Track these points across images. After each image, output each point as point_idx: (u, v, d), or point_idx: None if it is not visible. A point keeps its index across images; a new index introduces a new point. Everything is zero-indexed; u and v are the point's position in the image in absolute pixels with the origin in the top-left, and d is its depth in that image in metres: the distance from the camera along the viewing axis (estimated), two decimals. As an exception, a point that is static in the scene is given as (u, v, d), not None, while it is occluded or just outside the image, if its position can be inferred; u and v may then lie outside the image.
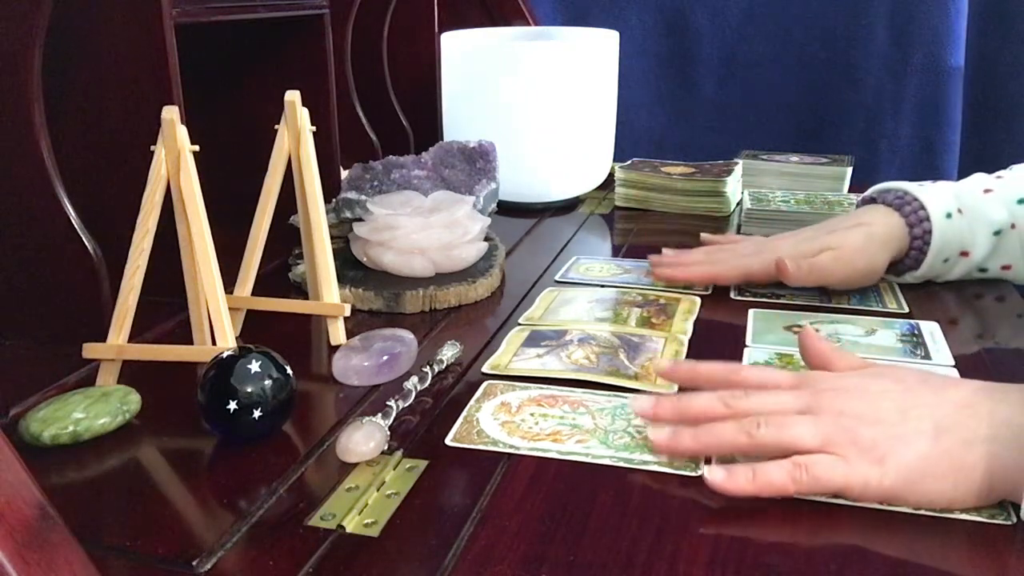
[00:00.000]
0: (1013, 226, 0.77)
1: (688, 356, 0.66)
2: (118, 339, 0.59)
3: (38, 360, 0.64)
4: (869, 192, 0.83)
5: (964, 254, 0.78)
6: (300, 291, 0.79)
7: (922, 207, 0.77)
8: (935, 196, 0.77)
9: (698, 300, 0.77)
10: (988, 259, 0.79)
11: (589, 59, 1.08)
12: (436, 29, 1.20)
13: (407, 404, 0.58)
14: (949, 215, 0.76)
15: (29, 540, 0.34)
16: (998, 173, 0.81)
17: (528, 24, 1.35)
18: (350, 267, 0.81)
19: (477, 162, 0.96)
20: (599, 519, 0.46)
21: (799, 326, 0.71)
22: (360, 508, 0.47)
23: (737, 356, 0.66)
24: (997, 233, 0.77)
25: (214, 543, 0.44)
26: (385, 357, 0.63)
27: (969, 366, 0.65)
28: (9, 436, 0.38)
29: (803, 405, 0.50)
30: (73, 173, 0.65)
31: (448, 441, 0.54)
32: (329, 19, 0.88)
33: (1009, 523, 0.46)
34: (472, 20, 1.32)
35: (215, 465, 0.52)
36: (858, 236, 0.77)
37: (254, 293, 0.69)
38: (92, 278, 0.64)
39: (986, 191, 0.78)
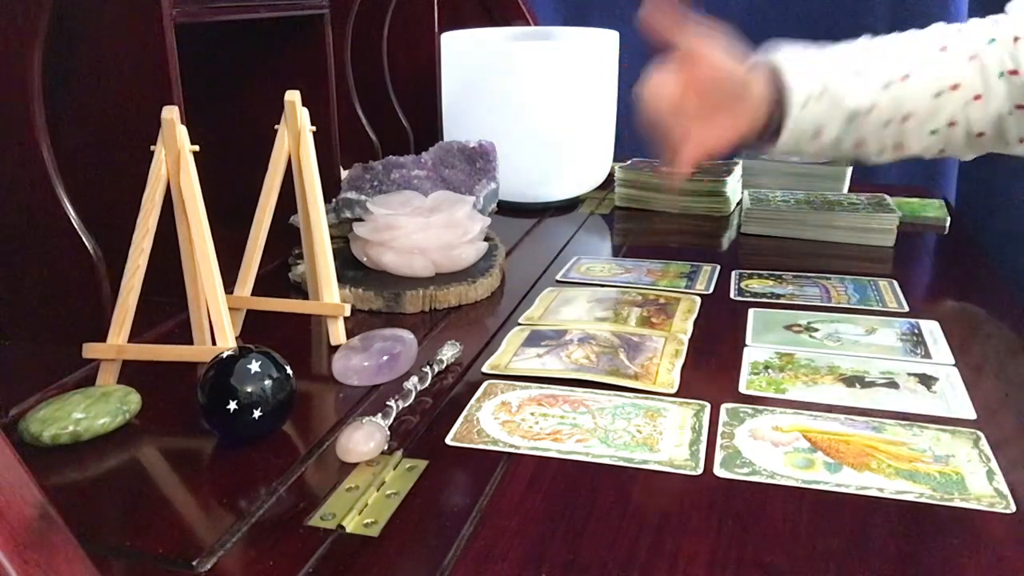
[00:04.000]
0: (873, 109, 0.76)
1: (688, 355, 0.66)
2: (118, 339, 0.59)
3: (38, 360, 0.64)
4: (765, 57, 0.81)
5: (817, 135, 0.77)
6: (300, 291, 0.79)
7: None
8: (801, 80, 0.76)
9: (698, 300, 0.77)
10: (841, 140, 0.77)
11: (589, 59, 1.08)
12: (436, 29, 1.20)
13: (407, 404, 0.58)
14: (806, 104, 0.75)
15: (29, 540, 0.34)
16: (875, 41, 0.81)
17: (528, 24, 1.35)
18: (350, 267, 0.81)
19: (477, 162, 0.96)
20: (599, 519, 0.46)
21: (799, 325, 0.71)
22: (360, 508, 0.47)
23: (737, 355, 0.66)
24: (851, 120, 0.76)
25: (214, 543, 0.44)
26: (385, 357, 0.63)
27: (969, 364, 0.65)
28: (9, 436, 0.38)
29: None
30: (73, 173, 0.65)
31: (448, 441, 0.54)
32: (329, 19, 0.88)
33: (1008, 511, 0.46)
34: (472, 20, 1.32)
35: (215, 465, 0.52)
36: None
37: (254, 293, 0.69)
38: (92, 278, 0.64)
39: (856, 73, 0.77)
